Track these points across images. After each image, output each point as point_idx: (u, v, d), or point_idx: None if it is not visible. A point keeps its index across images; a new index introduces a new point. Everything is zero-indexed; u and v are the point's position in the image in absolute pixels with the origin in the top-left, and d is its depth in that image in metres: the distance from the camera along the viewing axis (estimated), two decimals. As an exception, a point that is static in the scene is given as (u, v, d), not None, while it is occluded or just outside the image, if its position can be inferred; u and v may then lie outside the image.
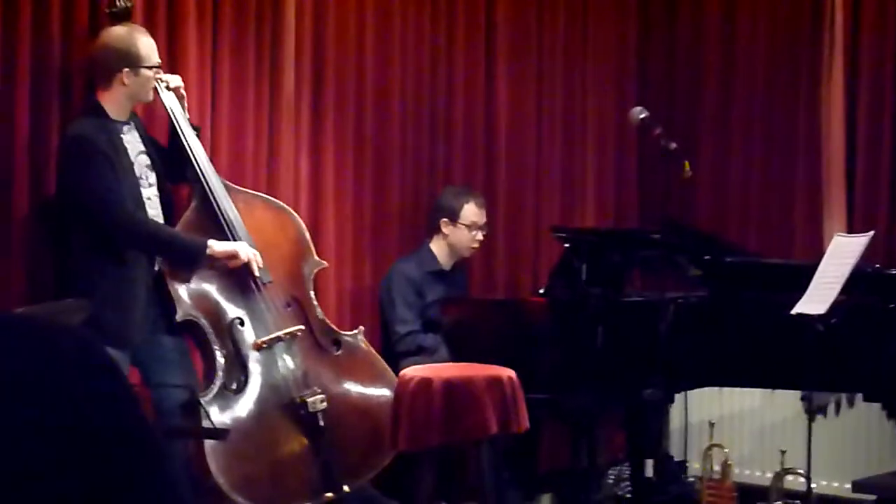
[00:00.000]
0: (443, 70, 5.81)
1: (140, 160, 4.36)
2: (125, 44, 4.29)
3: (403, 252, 5.59)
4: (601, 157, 6.38)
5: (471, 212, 5.52)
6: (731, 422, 5.84)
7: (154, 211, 4.38)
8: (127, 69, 4.27)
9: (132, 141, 4.36)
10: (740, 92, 6.23)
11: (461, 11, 5.86)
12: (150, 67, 4.32)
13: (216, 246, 4.39)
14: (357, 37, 5.48)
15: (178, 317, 4.38)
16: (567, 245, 5.14)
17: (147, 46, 4.33)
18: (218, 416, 4.31)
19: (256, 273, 4.48)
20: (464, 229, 5.51)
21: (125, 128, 4.34)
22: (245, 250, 4.44)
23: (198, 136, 4.54)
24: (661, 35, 6.55)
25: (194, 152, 4.49)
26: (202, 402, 4.28)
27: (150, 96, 4.40)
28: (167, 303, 4.39)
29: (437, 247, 5.55)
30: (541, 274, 5.87)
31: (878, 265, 5.02)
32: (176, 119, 4.48)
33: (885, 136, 5.79)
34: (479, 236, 5.56)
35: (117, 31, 4.32)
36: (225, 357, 4.46)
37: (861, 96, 5.86)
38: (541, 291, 5.18)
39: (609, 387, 4.80)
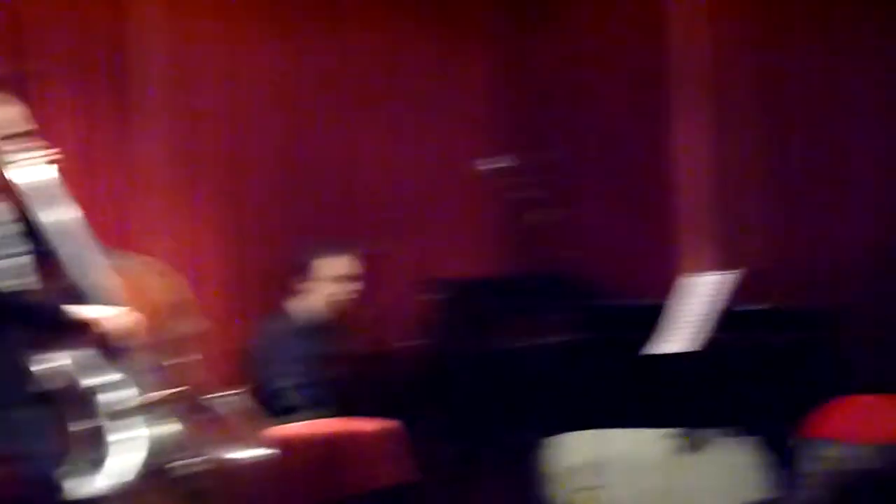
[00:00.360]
0: (304, 123, 5.83)
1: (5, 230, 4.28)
2: None
3: (277, 310, 5.58)
4: (471, 205, 6.44)
5: (336, 264, 5.54)
6: (609, 462, 5.91)
7: (15, 281, 4.30)
8: None
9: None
10: (604, 138, 6.37)
11: (319, 64, 5.88)
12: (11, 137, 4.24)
13: (80, 310, 4.32)
14: (226, 90, 5.47)
15: (37, 387, 4.29)
16: (437, 295, 5.18)
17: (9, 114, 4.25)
18: (81, 487, 4.23)
19: (125, 335, 4.42)
20: (324, 283, 5.52)
21: None
22: (110, 313, 4.37)
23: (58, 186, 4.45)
24: (523, 81, 6.66)
25: (60, 219, 4.42)
26: (60, 475, 4.19)
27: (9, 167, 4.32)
28: (26, 370, 4.30)
29: (310, 302, 5.56)
30: (420, 324, 5.89)
31: (740, 302, 5.17)
32: (37, 190, 4.41)
33: (746, 174, 5.97)
34: (349, 286, 5.57)
35: None
36: (90, 426, 4.38)
37: (710, 137, 6.02)
38: (413, 342, 5.21)
39: (485, 434, 4.85)
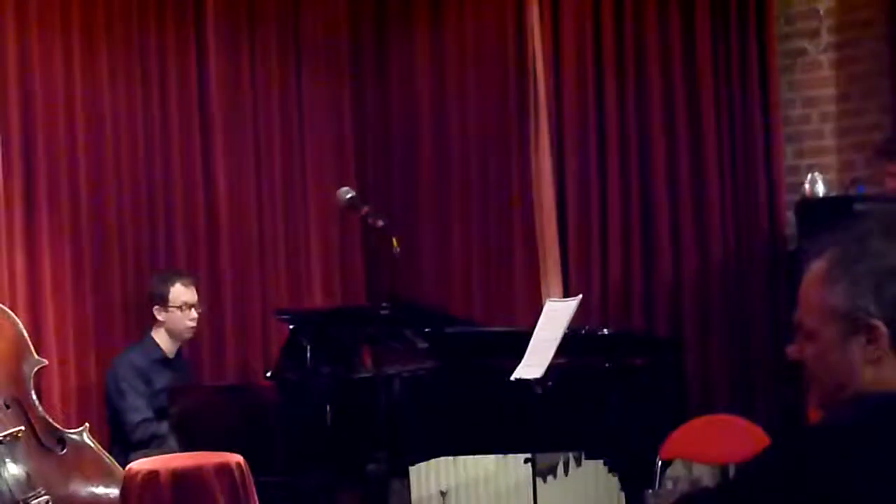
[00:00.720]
0: (158, 154, 5.77)
1: None
2: None
3: (129, 342, 5.52)
4: (325, 236, 6.44)
5: (179, 292, 5.49)
6: (463, 490, 5.94)
7: None
8: None
9: None
10: (455, 165, 6.44)
11: (174, 95, 5.83)
12: None
13: None
14: (67, 125, 5.40)
15: None
16: (292, 326, 5.17)
17: None
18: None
19: None
20: (176, 311, 5.47)
21: None
22: None
23: None
24: (376, 108, 6.69)
25: None
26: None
27: None
28: None
29: (158, 334, 5.51)
30: (270, 356, 5.87)
31: (589, 326, 5.25)
32: None
33: (592, 202, 6.07)
34: (194, 314, 5.53)
35: None
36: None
37: (567, 166, 6.13)
38: (269, 374, 5.19)
39: (340, 464, 4.83)
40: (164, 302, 5.46)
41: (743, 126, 5.85)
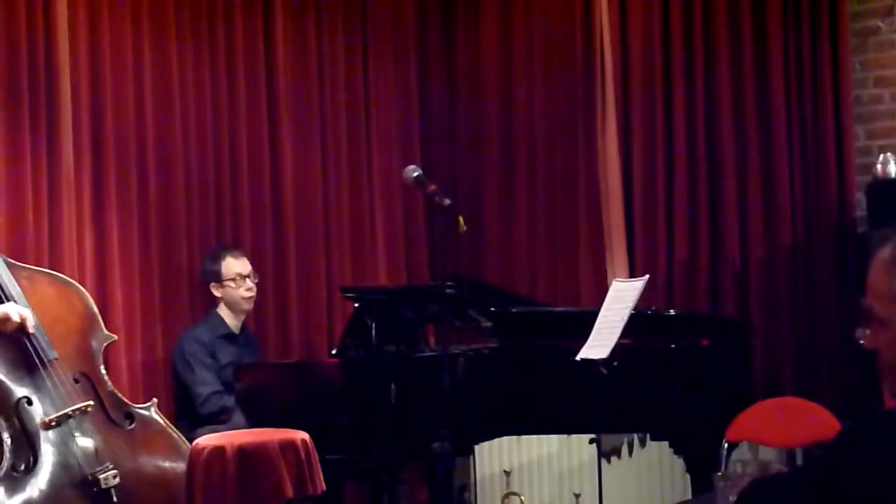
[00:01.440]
0: (225, 133, 5.80)
1: None
2: None
3: (195, 320, 5.57)
4: (390, 215, 6.44)
5: (230, 265, 5.54)
6: (528, 469, 5.95)
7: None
8: None
9: None
10: (521, 145, 6.41)
11: (242, 74, 5.86)
12: None
13: None
14: (136, 104, 5.45)
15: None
16: (357, 305, 5.19)
17: None
18: (6, 499, 4.20)
19: (31, 330, 4.39)
20: (230, 284, 5.52)
21: None
22: (15, 310, 4.34)
23: None
24: (442, 92, 6.68)
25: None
26: (-7, 484, 4.17)
27: None
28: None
29: (221, 310, 5.56)
30: (335, 334, 5.90)
31: (655, 307, 5.21)
32: None
33: (658, 183, 6.02)
34: (248, 284, 5.57)
35: None
36: (12, 437, 4.35)
37: (634, 146, 6.09)
38: (333, 351, 5.21)
39: (404, 442, 4.85)
40: (218, 278, 5.52)
41: (813, 106, 5.77)
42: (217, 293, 5.53)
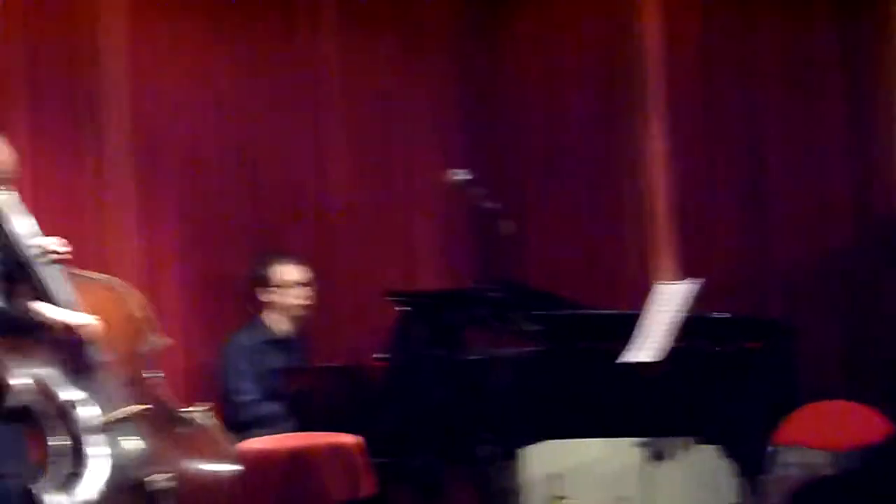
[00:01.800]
0: (272, 139, 5.83)
1: None
2: None
3: (244, 324, 5.60)
4: (435, 219, 6.44)
5: (280, 272, 5.56)
6: (574, 473, 5.93)
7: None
8: None
9: None
10: (564, 146, 6.39)
11: (289, 78, 5.89)
12: None
13: (46, 311, 4.33)
14: (182, 108, 5.49)
15: (11, 403, 4.30)
16: (403, 308, 5.20)
17: None
18: (61, 501, 4.24)
19: (90, 344, 4.43)
20: (280, 291, 5.54)
21: None
22: (74, 318, 4.38)
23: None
24: (485, 88, 6.66)
25: (23, 238, 4.44)
26: (35, 490, 4.20)
27: None
28: (3, 385, 4.32)
29: (267, 316, 5.58)
30: (382, 338, 5.90)
31: (701, 310, 5.19)
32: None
33: (705, 186, 6.01)
34: (300, 292, 5.59)
35: None
36: (62, 441, 4.39)
37: (680, 148, 6.06)
38: (380, 355, 5.23)
39: (450, 446, 4.86)
40: (264, 282, 5.55)
41: (864, 102, 5.73)
42: (263, 298, 5.55)
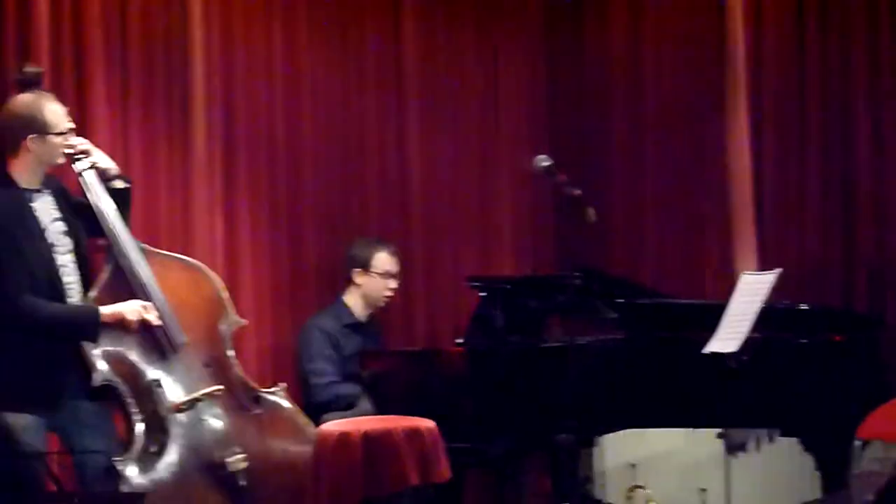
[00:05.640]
0: (354, 125, 5.85)
1: (54, 227, 4.36)
2: (30, 111, 4.30)
3: (322, 307, 5.62)
4: (517, 205, 6.42)
5: (383, 260, 5.57)
6: (653, 462, 5.89)
7: (70, 278, 4.38)
8: (33, 136, 4.27)
9: (44, 209, 4.36)
10: (649, 137, 6.33)
11: (371, 65, 5.91)
12: (57, 134, 4.33)
13: (105, 311, 4.37)
14: (267, 94, 5.53)
15: (96, 381, 4.37)
16: (483, 294, 5.19)
17: (54, 113, 4.33)
18: (137, 479, 4.29)
19: (156, 322, 4.47)
20: (377, 278, 5.56)
21: (35, 195, 4.34)
22: (131, 307, 4.41)
23: (128, 189, 4.54)
24: (570, 83, 6.63)
25: (107, 216, 4.49)
26: (119, 466, 4.26)
27: (60, 160, 4.39)
28: (85, 368, 4.38)
29: (351, 299, 5.59)
30: (460, 323, 5.89)
31: (786, 301, 5.12)
32: (86, 185, 4.49)
33: (790, 175, 5.92)
34: (392, 284, 5.61)
35: (23, 99, 4.34)
36: (143, 420, 4.45)
37: (765, 138, 5.98)
38: (459, 341, 5.22)
39: (528, 433, 4.85)
40: (365, 266, 5.55)
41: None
42: (358, 280, 5.56)
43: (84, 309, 4.38)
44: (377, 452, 4.28)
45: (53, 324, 4.30)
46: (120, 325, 4.40)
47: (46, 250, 4.30)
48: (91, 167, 4.50)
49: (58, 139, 4.33)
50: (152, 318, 4.45)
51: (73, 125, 4.44)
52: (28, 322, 4.23)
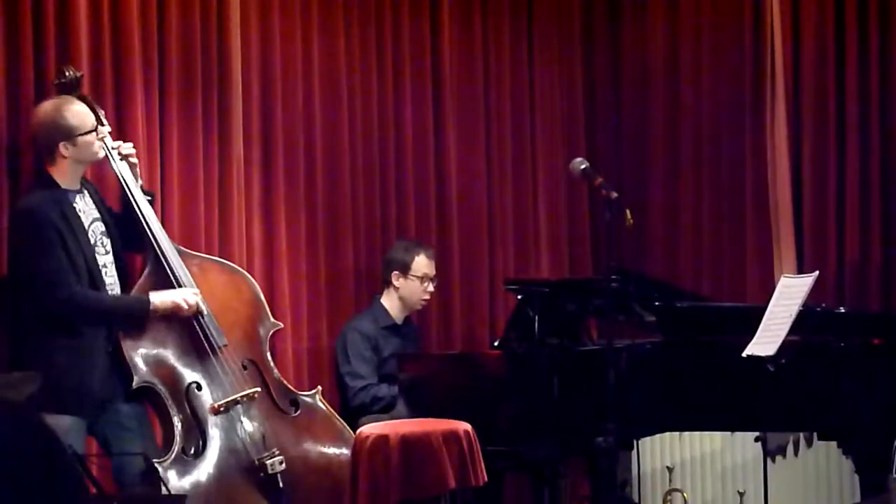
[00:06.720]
0: (391, 128, 5.85)
1: (95, 227, 4.40)
2: (53, 119, 4.33)
3: (359, 310, 5.63)
4: (554, 208, 6.41)
5: (422, 263, 5.57)
6: (691, 466, 5.87)
7: (111, 279, 4.41)
8: (63, 142, 4.31)
9: (85, 209, 4.39)
10: (687, 139, 6.31)
11: (408, 70, 5.91)
12: (85, 133, 4.35)
13: (157, 299, 4.41)
14: (305, 98, 5.53)
15: (135, 383, 4.40)
16: (520, 297, 5.18)
17: (76, 115, 4.34)
18: (176, 481, 4.32)
19: (204, 317, 4.50)
20: (415, 281, 5.56)
21: (77, 196, 4.38)
22: (185, 295, 4.45)
23: (151, 202, 4.58)
24: (607, 86, 6.61)
25: (147, 218, 4.52)
26: (159, 468, 4.28)
27: (98, 156, 4.42)
28: (125, 370, 4.41)
29: (389, 301, 5.60)
30: (497, 327, 5.90)
31: (824, 304, 5.09)
32: (128, 186, 4.52)
33: (829, 178, 5.89)
34: (430, 288, 5.61)
35: (44, 108, 4.38)
36: (182, 422, 4.47)
37: (805, 140, 5.96)
38: (496, 344, 5.22)
39: (567, 436, 4.83)
40: (404, 269, 5.55)
41: None
42: (396, 283, 5.55)
43: (135, 298, 4.44)
44: (415, 455, 4.29)
45: (104, 309, 4.35)
46: (168, 317, 4.43)
47: (89, 249, 4.34)
48: (130, 169, 4.53)
49: (89, 137, 4.36)
50: (204, 306, 4.49)
51: (108, 127, 4.48)
52: (81, 310, 4.27)
